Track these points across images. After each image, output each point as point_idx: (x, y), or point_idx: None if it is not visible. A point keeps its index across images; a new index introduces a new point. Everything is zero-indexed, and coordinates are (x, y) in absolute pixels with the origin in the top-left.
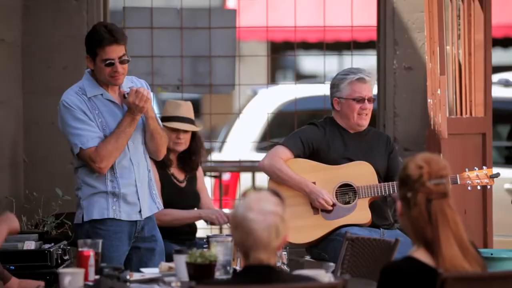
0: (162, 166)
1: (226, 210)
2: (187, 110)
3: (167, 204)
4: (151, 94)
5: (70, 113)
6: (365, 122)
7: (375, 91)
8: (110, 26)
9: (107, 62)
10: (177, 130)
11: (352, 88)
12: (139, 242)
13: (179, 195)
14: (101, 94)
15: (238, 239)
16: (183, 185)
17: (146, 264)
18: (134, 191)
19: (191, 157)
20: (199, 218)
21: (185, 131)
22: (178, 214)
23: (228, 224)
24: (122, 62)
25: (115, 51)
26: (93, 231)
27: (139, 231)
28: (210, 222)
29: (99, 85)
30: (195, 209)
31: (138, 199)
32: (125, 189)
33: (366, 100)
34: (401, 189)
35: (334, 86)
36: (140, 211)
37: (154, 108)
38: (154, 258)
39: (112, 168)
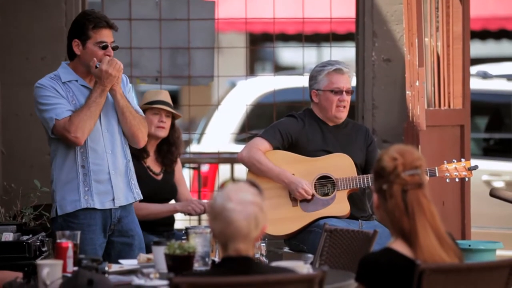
0: (138, 157)
1: (204, 201)
2: (166, 96)
3: (143, 197)
4: (122, 65)
5: (43, 92)
6: (343, 114)
7: (353, 83)
8: (100, 12)
9: (103, 44)
10: (159, 113)
11: (329, 80)
12: (115, 236)
13: (155, 188)
14: (76, 80)
15: (217, 229)
16: (159, 178)
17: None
18: (107, 179)
19: (171, 149)
20: (174, 211)
21: (167, 116)
22: (153, 208)
23: (206, 214)
24: (113, 48)
25: (109, 36)
26: (66, 225)
27: (115, 223)
28: (187, 213)
29: (76, 73)
30: (172, 201)
31: (112, 187)
32: (97, 176)
33: (344, 92)
34: (376, 181)
35: (312, 78)
36: (113, 199)
37: (134, 99)
38: (132, 253)
39: (85, 153)
